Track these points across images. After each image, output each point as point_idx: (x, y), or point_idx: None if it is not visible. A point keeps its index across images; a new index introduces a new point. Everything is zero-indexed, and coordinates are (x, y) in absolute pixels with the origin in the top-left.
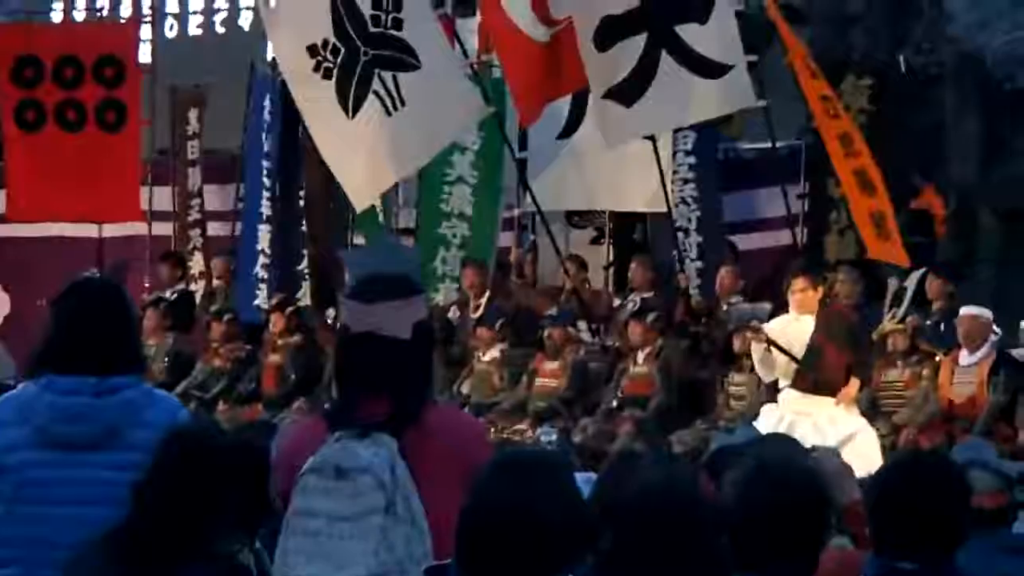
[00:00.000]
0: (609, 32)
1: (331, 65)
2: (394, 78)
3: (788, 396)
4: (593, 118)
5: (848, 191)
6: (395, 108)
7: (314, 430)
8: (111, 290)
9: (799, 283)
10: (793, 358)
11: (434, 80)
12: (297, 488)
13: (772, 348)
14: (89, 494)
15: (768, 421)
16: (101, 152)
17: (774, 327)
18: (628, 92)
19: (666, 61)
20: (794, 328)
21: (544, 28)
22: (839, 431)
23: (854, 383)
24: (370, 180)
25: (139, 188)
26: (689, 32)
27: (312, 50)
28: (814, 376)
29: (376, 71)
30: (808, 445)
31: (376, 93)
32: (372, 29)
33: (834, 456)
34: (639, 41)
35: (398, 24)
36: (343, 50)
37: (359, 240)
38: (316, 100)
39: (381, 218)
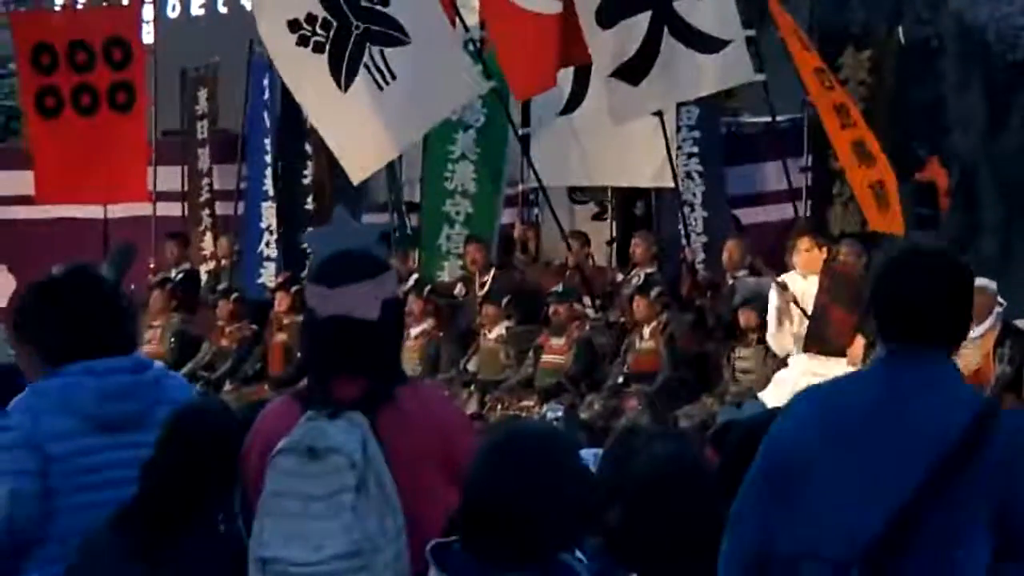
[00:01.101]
0: (611, 10)
1: (322, 39)
2: (381, 53)
3: (799, 360)
4: (597, 95)
5: (845, 163)
6: (386, 83)
7: (287, 411)
8: (97, 278)
9: (804, 243)
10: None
11: (426, 55)
12: (270, 469)
13: (794, 305)
14: (132, 476)
15: (781, 389)
16: (113, 134)
17: (789, 282)
18: (635, 70)
19: (668, 38)
20: (801, 285)
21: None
22: None
23: (859, 341)
24: (366, 154)
25: (146, 168)
26: (687, 8)
27: (293, 24)
28: (821, 337)
29: (367, 45)
30: None
31: (367, 67)
32: (363, 3)
33: None
34: (642, 19)
35: (385, 0)
36: (335, 24)
37: (369, 219)
38: (307, 74)
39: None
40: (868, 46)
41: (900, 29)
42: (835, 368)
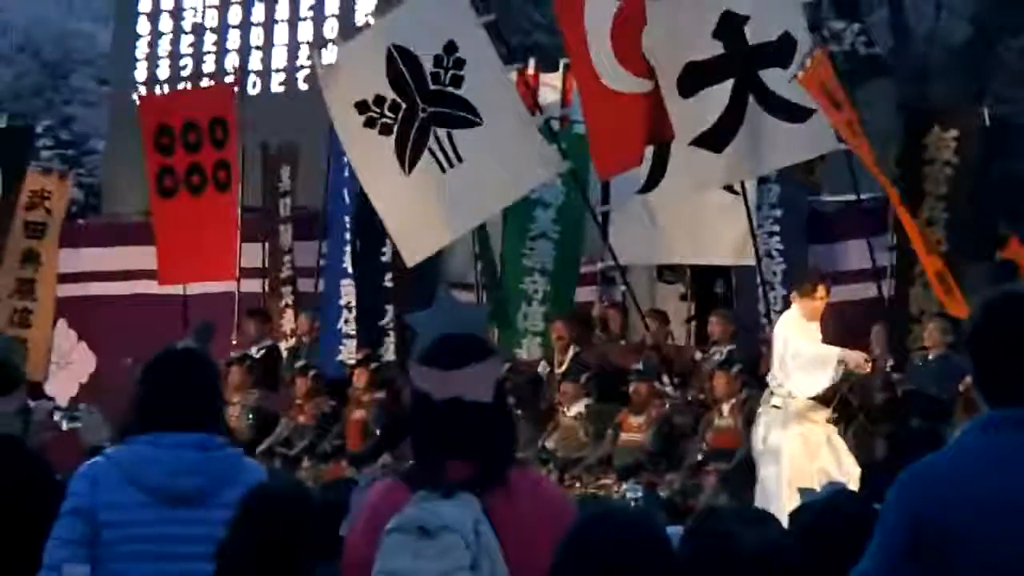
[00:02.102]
0: (694, 79)
1: (390, 121)
2: (449, 135)
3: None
4: (676, 172)
5: (918, 249)
6: (450, 165)
7: (394, 493)
8: (201, 361)
9: (821, 291)
10: None
11: (498, 136)
12: (382, 547)
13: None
14: (199, 552)
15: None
16: (216, 213)
17: (790, 322)
18: (717, 138)
19: (753, 106)
20: (806, 329)
21: (629, 76)
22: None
23: None
24: (423, 236)
25: (236, 246)
26: (772, 77)
27: (362, 106)
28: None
29: (432, 128)
30: None
31: (431, 150)
32: (432, 86)
33: None
34: (726, 87)
35: (457, 81)
36: (403, 106)
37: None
38: (372, 155)
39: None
40: (953, 125)
41: (985, 108)
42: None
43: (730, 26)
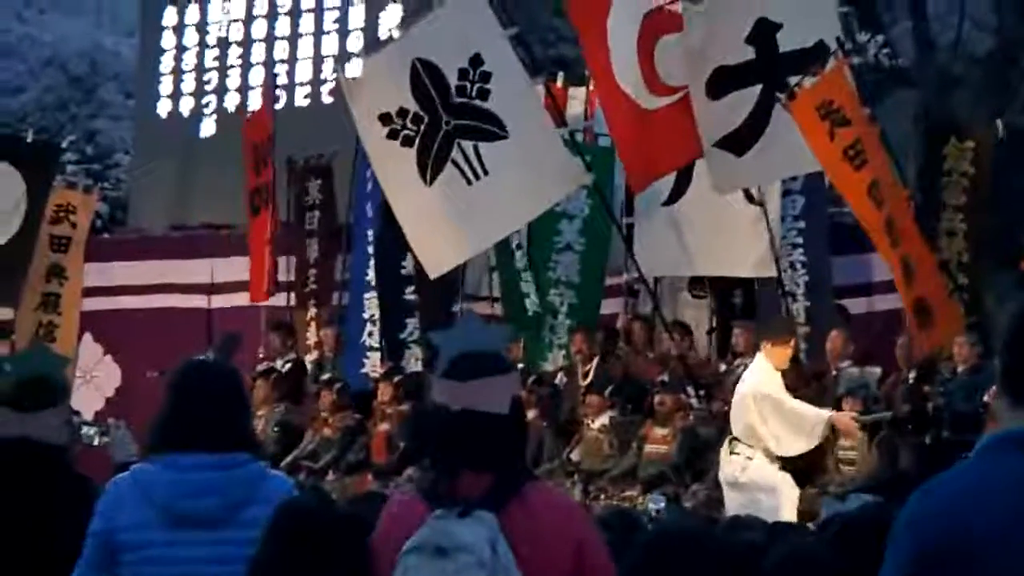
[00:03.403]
0: (723, 82)
1: (412, 133)
2: (475, 148)
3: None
4: (700, 185)
5: (896, 277)
6: (476, 178)
7: (411, 509)
8: (226, 372)
9: (793, 344)
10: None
11: (523, 149)
12: (398, 569)
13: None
14: (209, 572)
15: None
16: (261, 232)
17: (763, 379)
18: (740, 141)
19: (779, 112)
20: (776, 381)
21: (655, 98)
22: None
23: None
24: (446, 249)
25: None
26: (806, 80)
27: (385, 118)
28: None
29: (456, 141)
30: None
31: (455, 162)
32: (456, 99)
33: None
34: (754, 91)
35: (484, 94)
36: (426, 118)
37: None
38: (394, 167)
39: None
40: (970, 136)
41: (1000, 120)
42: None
43: (763, 32)
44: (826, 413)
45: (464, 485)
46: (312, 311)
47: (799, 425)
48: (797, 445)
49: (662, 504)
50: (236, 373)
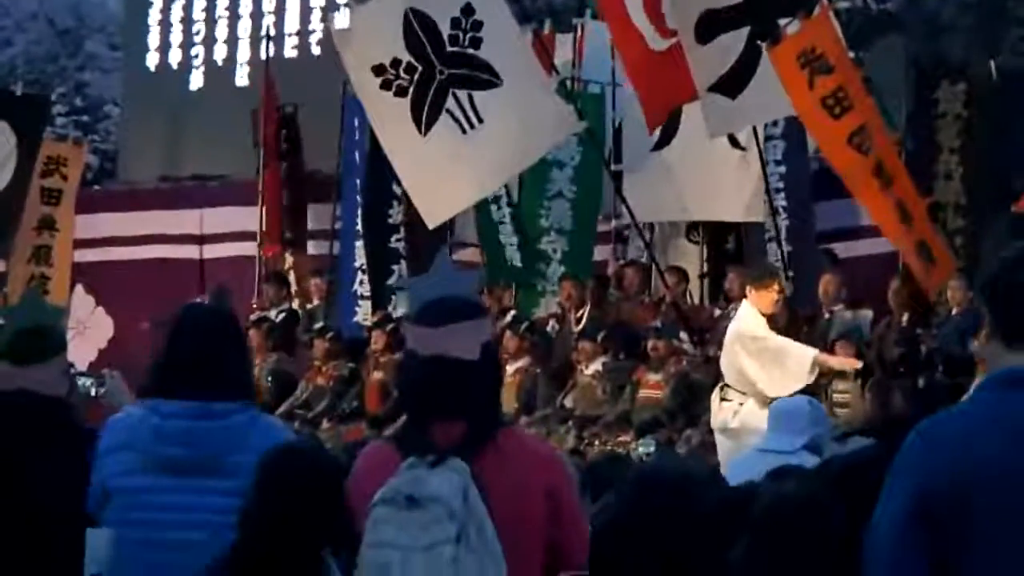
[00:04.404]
0: (710, 26)
1: (405, 83)
2: (469, 96)
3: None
4: (689, 131)
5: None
6: (471, 126)
7: (384, 457)
8: (221, 316)
9: (778, 285)
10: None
11: (517, 97)
12: (369, 520)
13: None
14: (193, 520)
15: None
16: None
17: (748, 322)
18: (732, 84)
19: (766, 54)
20: (755, 322)
21: (661, 39)
22: None
23: None
24: (442, 198)
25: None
26: (790, 26)
27: (378, 69)
28: None
29: (451, 90)
30: None
31: (449, 112)
32: (449, 48)
33: None
34: (741, 33)
35: (476, 43)
36: (419, 68)
37: (458, 256)
38: (389, 117)
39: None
40: (962, 79)
41: (993, 62)
42: None
43: None
44: (811, 351)
45: (437, 433)
46: (289, 259)
47: (784, 362)
48: (786, 383)
49: (651, 448)
50: (229, 317)
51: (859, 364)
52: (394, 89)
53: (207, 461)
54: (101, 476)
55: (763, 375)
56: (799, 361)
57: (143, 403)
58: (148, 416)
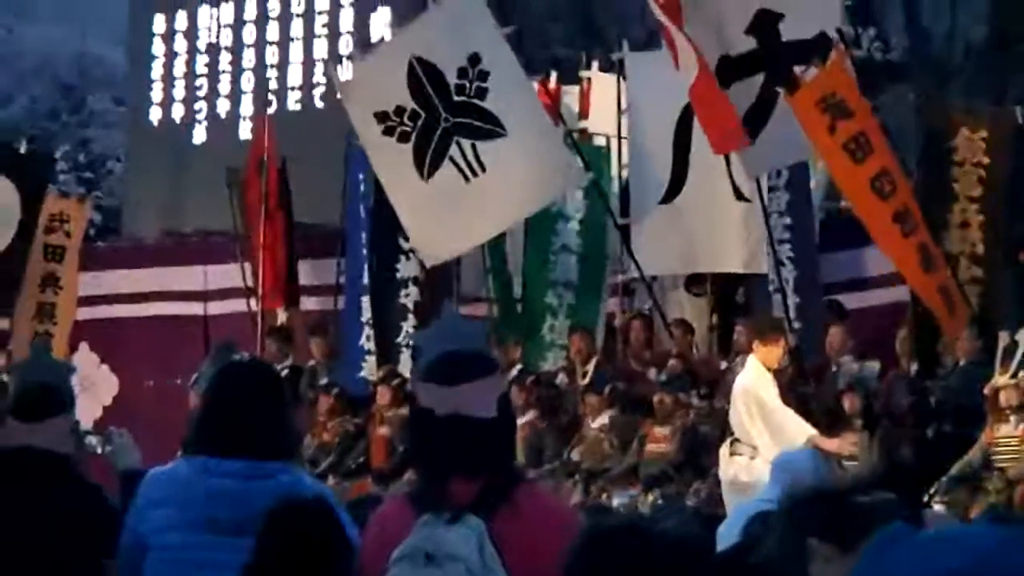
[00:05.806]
0: (726, 72)
1: (408, 129)
2: (473, 146)
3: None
4: (696, 183)
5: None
6: (473, 175)
7: (400, 515)
8: (263, 372)
9: (784, 340)
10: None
11: (521, 147)
12: None
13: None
14: None
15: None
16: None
17: (753, 379)
18: (749, 128)
19: (783, 100)
20: (767, 381)
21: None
22: None
23: None
24: (442, 240)
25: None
26: (806, 73)
27: (381, 116)
28: None
29: (455, 139)
30: None
31: (452, 160)
32: (456, 97)
33: None
34: (757, 80)
35: (482, 93)
36: (423, 115)
37: (462, 311)
38: (392, 162)
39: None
40: (982, 126)
41: (1018, 108)
42: None
43: (764, 23)
44: (809, 431)
45: (454, 490)
46: (282, 315)
47: (780, 433)
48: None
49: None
50: (270, 372)
51: (854, 449)
52: (397, 135)
53: (248, 522)
54: (139, 528)
55: (762, 440)
56: (793, 439)
57: (189, 460)
58: (190, 473)
